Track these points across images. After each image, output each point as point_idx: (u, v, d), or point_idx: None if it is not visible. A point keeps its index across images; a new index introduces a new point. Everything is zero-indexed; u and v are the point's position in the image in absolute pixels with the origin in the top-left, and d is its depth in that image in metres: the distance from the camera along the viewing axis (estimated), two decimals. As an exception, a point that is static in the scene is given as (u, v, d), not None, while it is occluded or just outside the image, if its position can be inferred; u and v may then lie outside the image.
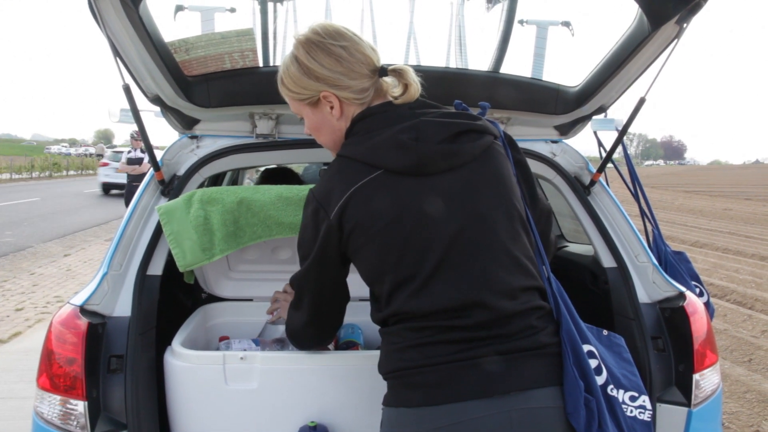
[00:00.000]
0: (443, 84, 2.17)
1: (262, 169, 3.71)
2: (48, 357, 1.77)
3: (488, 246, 1.40)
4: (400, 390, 1.41)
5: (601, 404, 1.37)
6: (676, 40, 1.78)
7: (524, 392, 1.33)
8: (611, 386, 1.43)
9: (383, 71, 1.49)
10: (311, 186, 1.61)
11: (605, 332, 1.54)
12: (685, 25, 1.72)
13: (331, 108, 1.49)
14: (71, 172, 40.81)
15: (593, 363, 1.41)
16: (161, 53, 1.80)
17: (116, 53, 1.73)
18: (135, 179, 10.71)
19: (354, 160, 1.43)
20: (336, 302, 1.62)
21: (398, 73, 1.48)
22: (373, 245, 1.41)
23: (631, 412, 1.43)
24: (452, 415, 1.32)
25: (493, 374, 1.33)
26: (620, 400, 1.43)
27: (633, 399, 1.44)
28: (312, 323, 1.63)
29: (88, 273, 8.89)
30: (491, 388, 1.32)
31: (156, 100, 2.01)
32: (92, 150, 78.23)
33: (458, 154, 1.42)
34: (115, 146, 11.57)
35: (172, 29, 1.97)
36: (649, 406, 1.45)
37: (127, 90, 1.78)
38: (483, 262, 1.39)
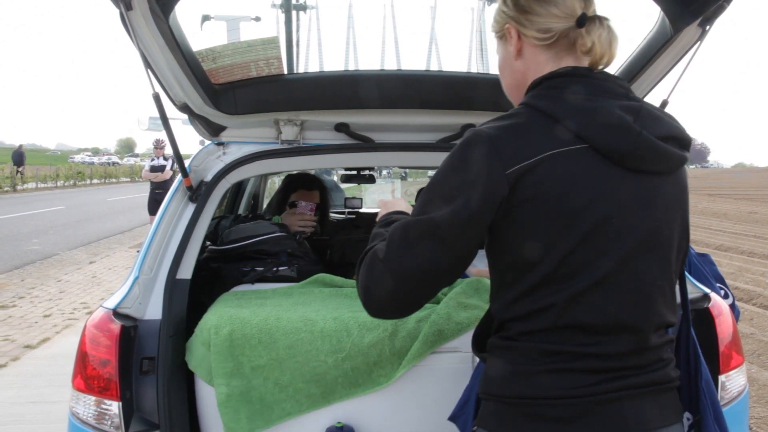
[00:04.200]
0: (465, 88, 2.20)
1: (284, 175, 3.76)
2: (82, 359, 1.81)
3: (661, 271, 1.26)
4: (518, 418, 1.22)
5: None
6: (699, 42, 1.78)
7: (655, 431, 1.24)
8: None
9: (582, 20, 1.26)
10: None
11: None
12: (708, 27, 1.72)
13: (511, 43, 1.34)
14: (95, 181, 41.36)
15: None
16: (189, 62, 1.85)
17: (146, 63, 1.78)
18: (158, 186, 10.91)
19: (555, 121, 1.20)
20: (446, 278, 1.26)
21: (599, 20, 1.28)
22: (541, 228, 1.18)
23: None
24: None
25: (629, 412, 1.21)
26: None
27: None
28: (395, 295, 1.22)
29: (113, 280, 9.01)
30: (626, 427, 1.20)
31: (184, 108, 2.06)
32: (115, 158, 79.23)
33: (669, 160, 1.25)
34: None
35: (199, 38, 2.02)
36: None
37: (156, 98, 1.83)
38: (650, 287, 1.24)
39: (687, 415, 1.35)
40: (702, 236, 13.76)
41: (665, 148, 1.23)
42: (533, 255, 1.19)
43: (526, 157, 1.17)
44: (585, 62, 1.29)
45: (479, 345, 1.39)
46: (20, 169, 32.12)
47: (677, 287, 1.39)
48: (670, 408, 1.27)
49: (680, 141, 1.28)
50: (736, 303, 2.56)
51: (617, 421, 1.19)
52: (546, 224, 1.18)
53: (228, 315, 1.87)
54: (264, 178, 4.94)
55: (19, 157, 33.33)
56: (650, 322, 1.23)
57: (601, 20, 1.27)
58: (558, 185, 1.17)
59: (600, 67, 1.29)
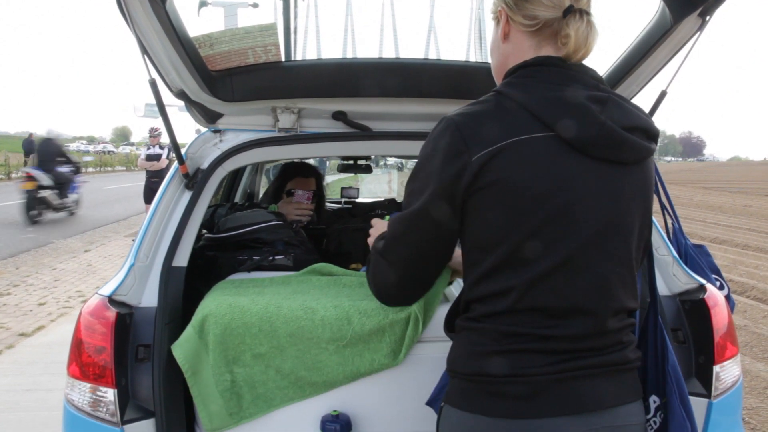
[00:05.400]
0: (464, 77, 2.19)
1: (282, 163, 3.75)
2: (78, 346, 1.80)
3: (620, 259, 1.30)
4: (479, 395, 1.29)
5: None
6: (698, 33, 1.78)
7: (611, 409, 1.28)
8: None
9: (566, 12, 1.29)
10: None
11: None
12: (708, 17, 1.72)
13: (500, 27, 1.38)
14: (90, 169, 41.15)
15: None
16: (186, 48, 1.83)
17: (143, 49, 1.76)
18: (153, 175, 10.88)
19: (523, 108, 1.25)
20: (439, 260, 1.40)
21: (580, 14, 1.29)
22: (503, 211, 1.24)
23: None
24: (541, 430, 1.25)
25: (585, 390, 1.27)
26: None
27: None
28: (401, 283, 1.43)
29: (108, 268, 8.99)
30: (583, 404, 1.26)
31: (180, 94, 2.05)
32: (110, 147, 78.88)
33: (634, 150, 1.29)
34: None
35: (196, 24, 2.00)
36: None
37: (153, 84, 1.81)
38: (608, 273, 1.28)
39: (654, 398, 1.42)
40: (697, 229, 13.80)
41: (630, 138, 1.27)
42: (493, 237, 1.25)
43: (491, 142, 1.22)
44: (563, 53, 1.32)
45: (450, 326, 1.45)
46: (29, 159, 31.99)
47: (639, 275, 1.47)
48: (627, 388, 1.33)
49: (647, 132, 1.32)
50: (731, 294, 2.57)
51: (574, 398, 1.25)
52: (507, 208, 1.23)
53: (227, 303, 1.86)
54: (260, 166, 4.92)
55: (30, 145, 33.21)
56: (608, 307, 1.28)
57: (582, 14, 1.30)
58: (520, 171, 1.22)
59: (574, 60, 1.32)
